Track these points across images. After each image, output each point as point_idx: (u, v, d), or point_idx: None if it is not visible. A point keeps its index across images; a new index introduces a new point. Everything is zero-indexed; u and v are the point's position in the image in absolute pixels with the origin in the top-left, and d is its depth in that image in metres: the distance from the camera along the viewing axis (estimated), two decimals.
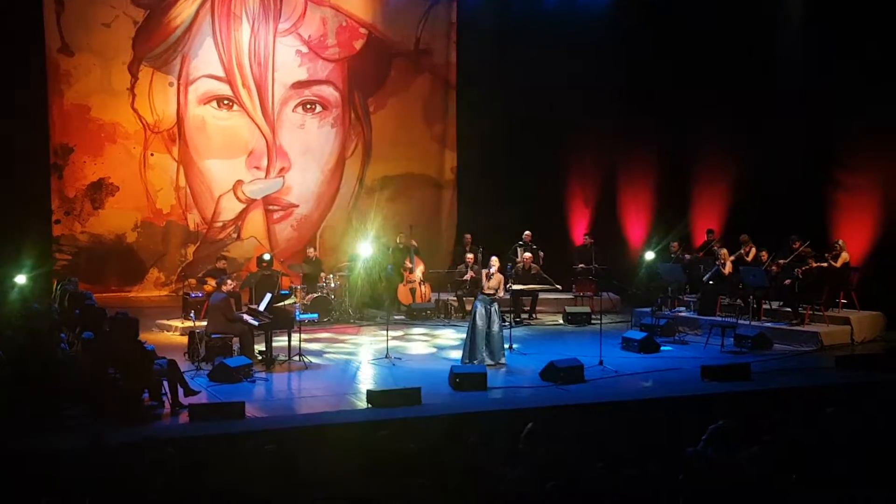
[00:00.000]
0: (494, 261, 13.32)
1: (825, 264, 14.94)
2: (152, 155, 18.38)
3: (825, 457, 7.43)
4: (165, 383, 10.76)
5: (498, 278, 13.22)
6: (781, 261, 15.09)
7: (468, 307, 15.00)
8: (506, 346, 13.52)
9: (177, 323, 15.33)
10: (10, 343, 11.10)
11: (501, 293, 13.43)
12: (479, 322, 13.00)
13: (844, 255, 15.09)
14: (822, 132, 16.60)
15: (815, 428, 8.25)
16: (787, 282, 14.80)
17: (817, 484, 6.96)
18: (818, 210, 16.44)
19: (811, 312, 14.84)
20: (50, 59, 17.44)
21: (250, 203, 19.15)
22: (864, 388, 11.54)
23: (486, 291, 13.15)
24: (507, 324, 14.66)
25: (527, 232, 17.66)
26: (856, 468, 7.13)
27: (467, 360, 12.96)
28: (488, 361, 12.93)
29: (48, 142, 17.46)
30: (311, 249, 17.75)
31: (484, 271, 13.35)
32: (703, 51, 17.62)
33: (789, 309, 14.92)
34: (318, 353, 13.88)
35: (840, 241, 15.25)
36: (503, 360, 13.17)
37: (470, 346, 13.06)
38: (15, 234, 15.36)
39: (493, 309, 13.12)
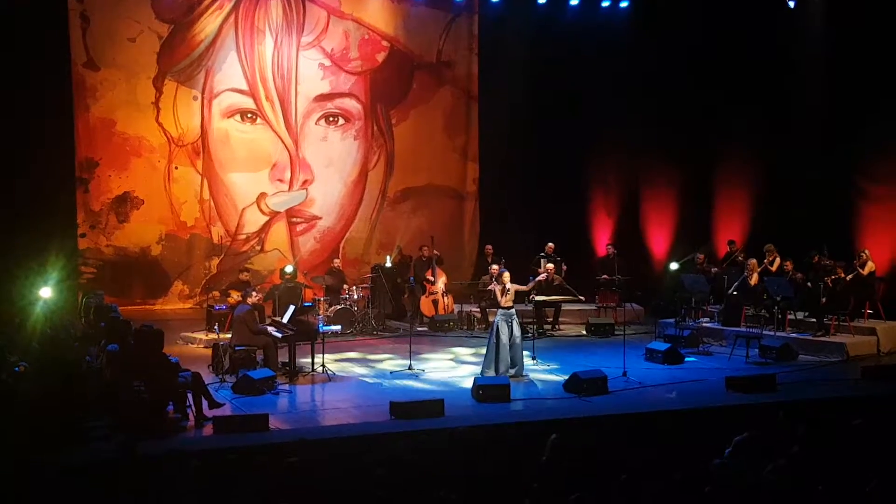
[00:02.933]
0: (506, 276, 13.29)
1: (850, 276, 14.82)
2: (177, 168, 18.48)
3: (852, 468, 7.37)
4: (190, 396, 10.80)
5: (514, 289, 13.19)
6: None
7: (491, 318, 14.99)
8: (528, 356, 13.47)
9: (201, 335, 15.39)
10: (35, 356, 11.17)
11: (518, 288, 13.36)
12: (503, 338, 12.96)
13: (870, 265, 14.98)
14: (846, 142, 16.51)
15: (841, 439, 8.19)
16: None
17: (844, 495, 6.90)
18: (842, 220, 16.34)
19: (836, 323, 14.72)
20: (76, 73, 17.57)
21: (274, 215, 19.21)
22: (892, 399, 11.44)
23: (505, 305, 13.12)
24: (529, 335, 14.63)
25: (549, 244, 17.60)
26: (884, 480, 7.06)
27: (490, 372, 12.93)
28: (511, 373, 12.90)
29: (74, 156, 17.57)
30: (336, 261, 17.84)
31: (497, 287, 13.29)
32: (726, 60, 17.59)
33: (814, 319, 14.82)
34: (342, 365, 13.88)
35: (865, 251, 15.12)
36: (526, 372, 13.13)
37: (492, 359, 13.02)
38: (40, 248, 15.43)
39: (514, 322, 13.08)
